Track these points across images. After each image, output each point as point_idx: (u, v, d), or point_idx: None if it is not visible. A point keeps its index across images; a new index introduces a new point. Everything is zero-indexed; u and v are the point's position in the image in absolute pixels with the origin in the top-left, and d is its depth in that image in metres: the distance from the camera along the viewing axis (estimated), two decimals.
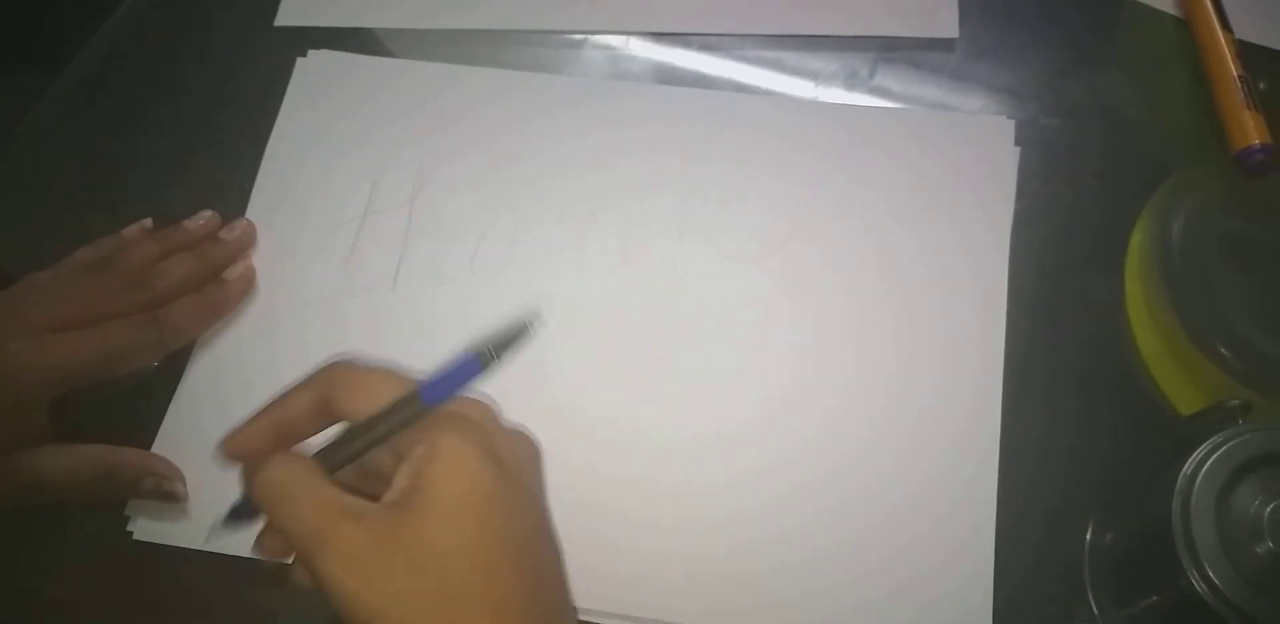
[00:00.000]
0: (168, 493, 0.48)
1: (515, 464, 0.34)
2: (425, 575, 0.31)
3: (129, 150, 0.61)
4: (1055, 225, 0.54)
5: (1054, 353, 0.51)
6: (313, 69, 0.61)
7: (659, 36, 0.61)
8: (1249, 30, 0.57)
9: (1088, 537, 0.48)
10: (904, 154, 0.55)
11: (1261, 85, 0.56)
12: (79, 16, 0.68)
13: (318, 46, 0.62)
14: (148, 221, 0.55)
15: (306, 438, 0.36)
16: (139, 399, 0.52)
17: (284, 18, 0.64)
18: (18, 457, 0.46)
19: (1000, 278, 0.51)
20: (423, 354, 0.49)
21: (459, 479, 0.32)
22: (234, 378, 0.52)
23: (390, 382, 0.35)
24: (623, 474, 0.49)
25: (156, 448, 0.51)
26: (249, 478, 0.34)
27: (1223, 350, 0.49)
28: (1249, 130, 0.53)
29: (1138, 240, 0.53)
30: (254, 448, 0.35)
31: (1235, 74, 0.54)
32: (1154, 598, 0.44)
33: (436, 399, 0.33)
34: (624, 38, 0.62)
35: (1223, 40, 0.56)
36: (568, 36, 0.62)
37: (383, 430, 0.34)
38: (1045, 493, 0.48)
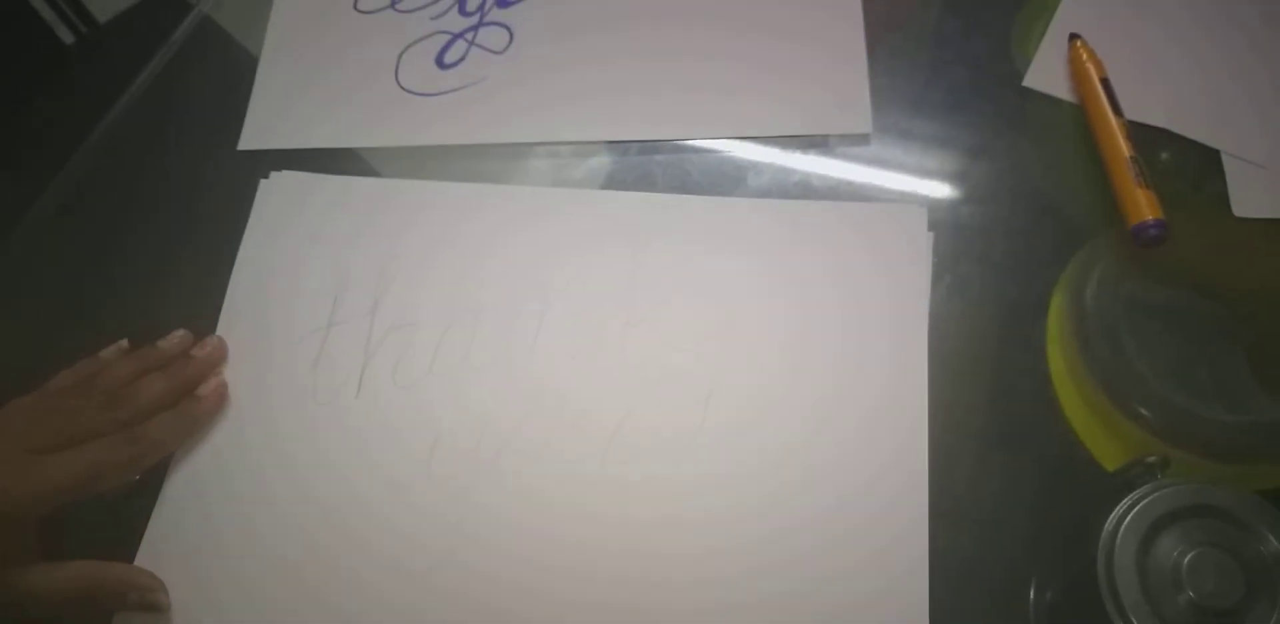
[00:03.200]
0: (152, 604, 0.50)
1: None
2: None
3: (104, 272, 0.64)
4: (974, 302, 0.57)
5: (984, 419, 0.54)
6: (275, 189, 0.64)
7: (594, 145, 0.65)
8: (1140, 111, 0.61)
9: (1030, 595, 0.50)
10: (826, 243, 0.58)
11: (1164, 155, 0.61)
12: (51, 142, 0.72)
13: (279, 167, 0.65)
14: (124, 342, 0.57)
15: None
16: (121, 512, 0.54)
17: (246, 142, 0.67)
18: (6, 575, 0.47)
19: (920, 354, 0.54)
20: (386, 457, 0.53)
21: None
22: (211, 488, 0.54)
23: None
24: (576, 548, 0.52)
25: (140, 560, 0.52)
26: None
27: (1139, 408, 0.52)
28: (1141, 207, 0.56)
29: (1055, 309, 0.56)
30: None
31: (1127, 155, 0.57)
32: None
33: None
34: (564, 147, 0.65)
35: (1114, 124, 0.59)
36: (511, 148, 0.66)
37: None
38: (989, 556, 0.51)
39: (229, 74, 0.72)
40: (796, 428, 0.53)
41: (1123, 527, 0.44)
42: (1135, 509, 0.44)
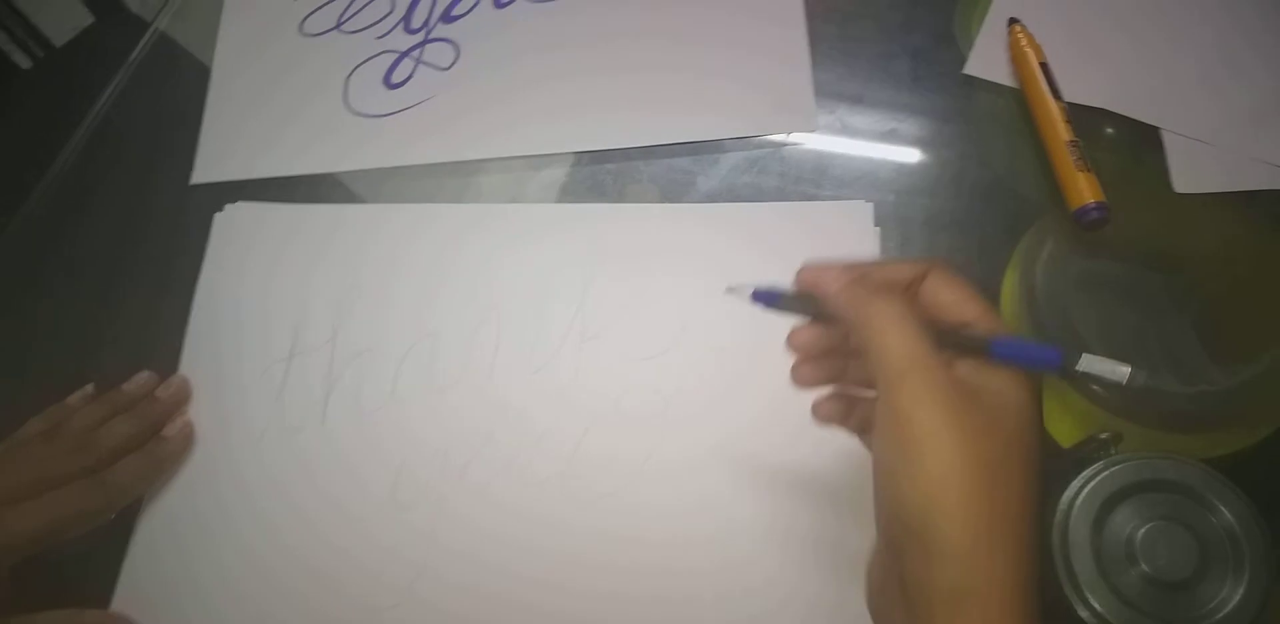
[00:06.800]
0: None
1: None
2: (965, 443, 0.35)
3: (65, 316, 0.64)
4: None
5: None
6: (230, 221, 0.65)
7: (546, 157, 0.65)
8: (1081, 92, 0.61)
9: None
10: (776, 244, 0.58)
11: (1108, 130, 0.61)
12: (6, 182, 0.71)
13: (233, 199, 0.65)
14: (89, 388, 0.58)
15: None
16: (96, 555, 0.54)
17: (199, 176, 0.68)
18: None
19: None
20: (356, 483, 0.52)
21: (1021, 419, 0.36)
22: (183, 527, 0.55)
23: (975, 303, 0.39)
24: (530, 570, 0.52)
25: (116, 603, 0.53)
26: (844, 298, 0.39)
27: (1090, 384, 0.53)
28: (1083, 191, 0.57)
29: (1007, 288, 0.57)
30: (829, 280, 0.40)
31: (1066, 139, 0.58)
32: None
33: (1000, 354, 0.37)
34: (516, 161, 0.65)
35: (1054, 109, 0.60)
36: (465, 164, 0.66)
37: (956, 344, 0.38)
38: None
39: (191, 92, 0.72)
40: (757, 429, 0.54)
41: (1076, 503, 0.45)
42: (1089, 486, 0.45)
